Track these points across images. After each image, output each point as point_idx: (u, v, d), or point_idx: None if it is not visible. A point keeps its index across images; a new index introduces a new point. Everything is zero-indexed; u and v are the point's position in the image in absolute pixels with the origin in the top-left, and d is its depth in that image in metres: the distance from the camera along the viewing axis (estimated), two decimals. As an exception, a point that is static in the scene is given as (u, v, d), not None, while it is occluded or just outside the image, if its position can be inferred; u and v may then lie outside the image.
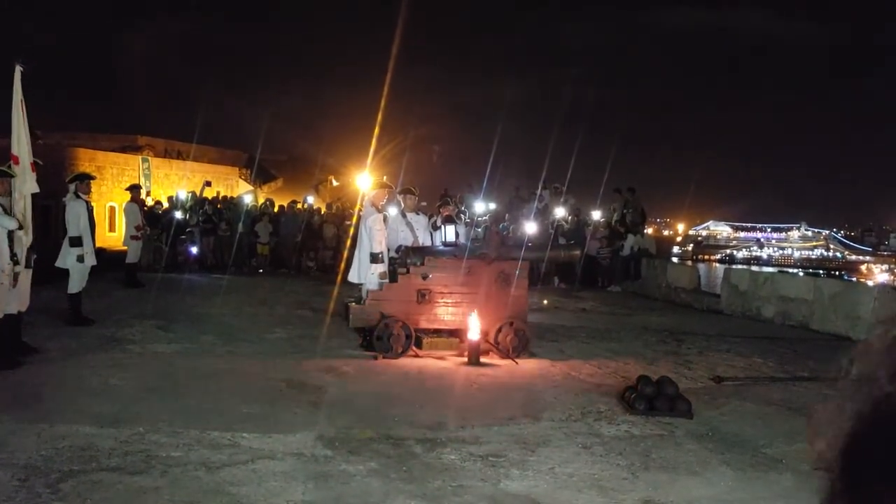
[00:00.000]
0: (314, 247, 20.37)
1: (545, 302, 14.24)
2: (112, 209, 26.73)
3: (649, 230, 23.32)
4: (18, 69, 8.15)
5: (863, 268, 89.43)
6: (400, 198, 10.52)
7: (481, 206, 21.04)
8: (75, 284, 10.46)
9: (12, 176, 8.12)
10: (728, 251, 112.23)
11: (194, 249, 19.23)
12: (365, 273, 9.50)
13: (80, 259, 10.40)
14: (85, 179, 11.21)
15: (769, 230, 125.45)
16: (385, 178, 21.16)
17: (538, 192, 20.22)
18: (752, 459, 5.78)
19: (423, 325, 9.31)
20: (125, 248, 15.85)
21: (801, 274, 35.22)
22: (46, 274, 10.08)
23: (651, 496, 4.97)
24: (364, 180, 18.28)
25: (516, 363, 8.92)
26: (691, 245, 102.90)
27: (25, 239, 8.22)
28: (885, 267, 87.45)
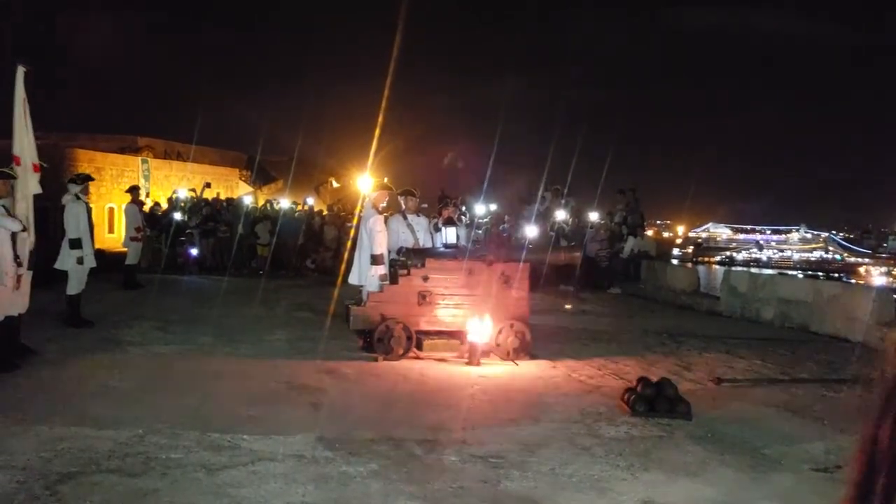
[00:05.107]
0: (314, 248, 20.37)
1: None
2: (111, 210, 26.69)
3: (649, 232, 23.33)
4: (21, 69, 8.15)
5: (861, 270, 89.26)
6: (401, 199, 10.51)
7: (482, 208, 21.04)
8: (74, 286, 10.46)
9: (14, 177, 8.11)
10: (728, 253, 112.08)
11: (194, 251, 19.22)
12: (365, 275, 9.50)
13: (80, 261, 10.39)
14: (84, 181, 11.20)
15: (769, 232, 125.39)
16: (386, 179, 21.14)
17: (539, 193, 20.21)
18: (752, 461, 5.78)
19: (424, 326, 9.31)
20: (125, 249, 15.86)
21: (800, 276, 35.19)
22: (45, 275, 10.07)
23: (651, 497, 4.97)
24: (365, 182, 18.26)
25: (517, 365, 8.93)
26: (691, 247, 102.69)
27: (28, 240, 8.21)
28: (883, 269, 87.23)
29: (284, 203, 23.16)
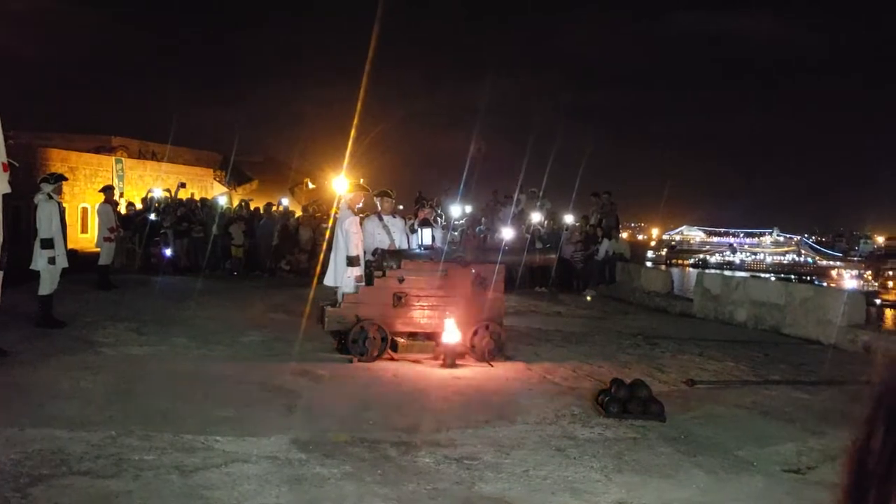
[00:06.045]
0: (290, 250, 20.27)
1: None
2: (85, 210, 26.43)
3: (624, 234, 23.48)
4: None
5: (833, 273, 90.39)
6: (377, 200, 10.50)
7: (458, 210, 21.04)
8: (46, 286, 10.33)
9: (-16, 176, 8.00)
10: (701, 256, 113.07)
11: (168, 251, 19.07)
12: (341, 276, 9.48)
13: (52, 261, 10.27)
14: (57, 180, 11.08)
15: (742, 235, 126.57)
16: (362, 180, 21.08)
17: (515, 195, 20.27)
18: (724, 462, 5.84)
19: (399, 328, 9.30)
20: (98, 249, 15.68)
21: (773, 279, 35.63)
22: (17, 275, 9.94)
23: (624, 498, 5.01)
24: (340, 183, 18.20)
25: (491, 366, 8.94)
26: (665, 249, 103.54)
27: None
28: (854, 272, 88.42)
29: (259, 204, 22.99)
